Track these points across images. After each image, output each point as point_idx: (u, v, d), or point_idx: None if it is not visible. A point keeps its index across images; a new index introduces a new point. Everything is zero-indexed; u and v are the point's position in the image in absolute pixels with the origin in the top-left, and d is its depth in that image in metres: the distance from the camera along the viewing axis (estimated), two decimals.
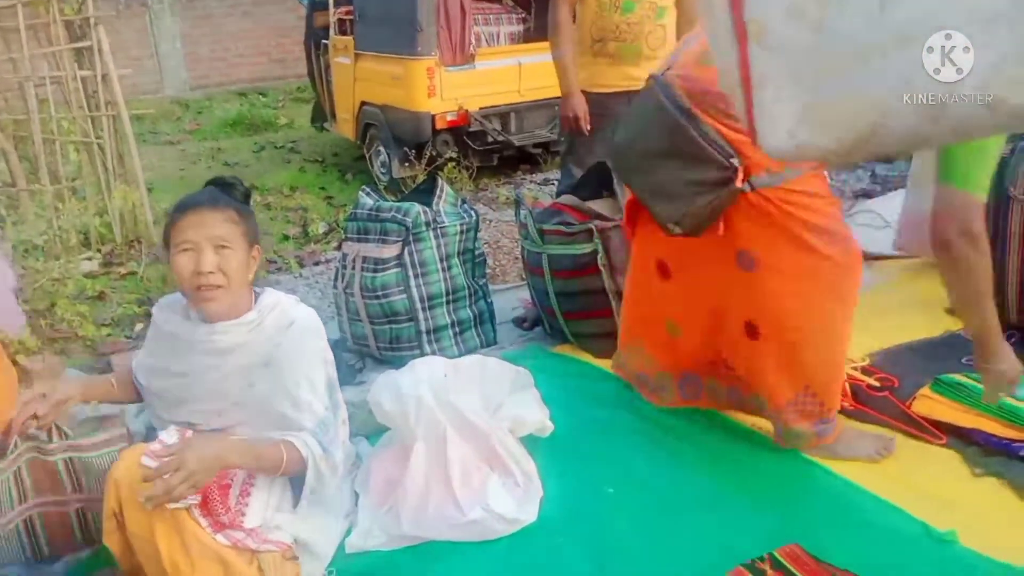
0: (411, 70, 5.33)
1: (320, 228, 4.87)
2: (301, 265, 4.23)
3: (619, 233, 2.54)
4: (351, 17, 6.26)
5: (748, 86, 1.07)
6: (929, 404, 2.07)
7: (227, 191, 1.72)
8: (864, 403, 2.14)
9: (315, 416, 1.71)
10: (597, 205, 2.72)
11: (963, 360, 2.30)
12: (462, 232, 2.70)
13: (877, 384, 2.20)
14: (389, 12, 5.49)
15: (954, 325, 2.56)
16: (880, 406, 2.08)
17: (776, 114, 1.05)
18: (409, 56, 5.31)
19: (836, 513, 1.76)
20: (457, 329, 2.68)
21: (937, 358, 2.35)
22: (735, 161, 1.72)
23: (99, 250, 4.32)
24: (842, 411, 2.05)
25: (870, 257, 2.90)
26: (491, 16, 6.32)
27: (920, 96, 0.95)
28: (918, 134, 0.99)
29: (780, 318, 1.83)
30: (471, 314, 2.72)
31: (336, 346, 2.79)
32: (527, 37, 6.27)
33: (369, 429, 2.07)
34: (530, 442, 1.94)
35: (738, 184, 1.72)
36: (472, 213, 2.78)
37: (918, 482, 1.83)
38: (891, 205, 3.51)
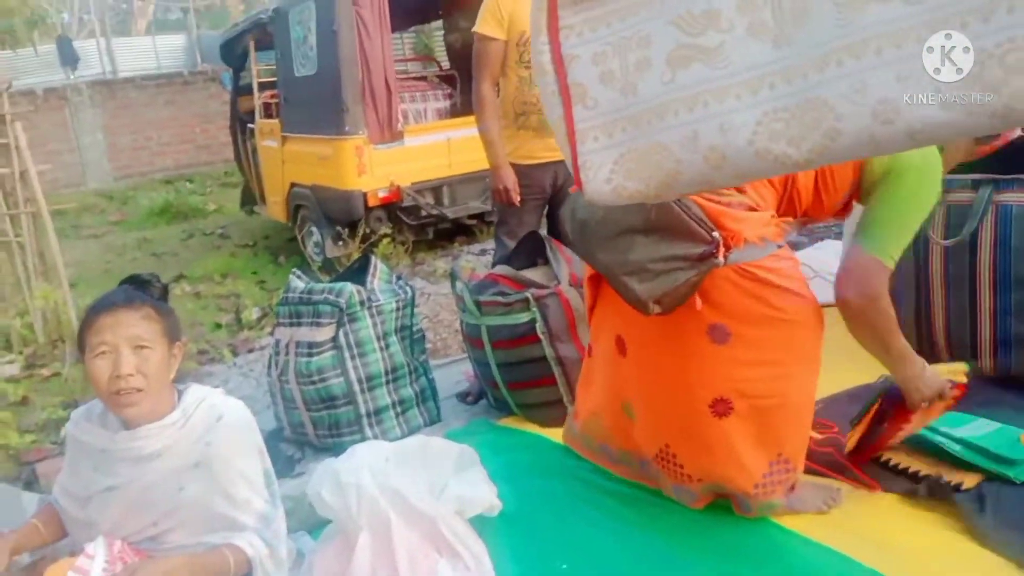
0: (339, 150, 5.34)
1: (253, 314, 4.77)
2: (235, 354, 4.11)
3: (556, 300, 2.54)
4: (276, 100, 6.29)
5: (573, 139, 1.27)
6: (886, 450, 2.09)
7: (143, 288, 1.66)
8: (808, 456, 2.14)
9: (255, 512, 1.65)
10: (532, 273, 2.72)
11: None
12: (398, 309, 2.67)
13: (819, 436, 2.21)
14: (314, 94, 5.52)
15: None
16: (821, 457, 2.08)
17: (596, 163, 1.26)
18: (337, 136, 5.33)
19: (790, 568, 1.74)
20: (399, 409, 2.62)
21: None
22: (716, 235, 1.71)
23: (21, 352, 4.15)
24: None
25: None
26: (417, 93, 6.43)
27: (707, 147, 1.14)
28: (707, 179, 1.19)
29: (752, 389, 1.80)
30: (412, 392, 2.67)
31: (273, 436, 2.72)
32: (455, 112, 6.38)
33: (311, 523, 1.98)
34: (479, 522, 1.88)
35: (720, 258, 1.71)
36: (408, 289, 2.75)
37: (866, 530, 1.83)
38: (819, 256, 3.61)
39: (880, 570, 1.67)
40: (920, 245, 2.47)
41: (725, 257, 1.72)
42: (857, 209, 1.90)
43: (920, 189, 1.75)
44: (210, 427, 1.64)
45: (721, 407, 1.82)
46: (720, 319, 1.77)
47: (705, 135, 1.13)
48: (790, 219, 1.88)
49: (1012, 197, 2.28)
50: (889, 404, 1.95)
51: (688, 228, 1.69)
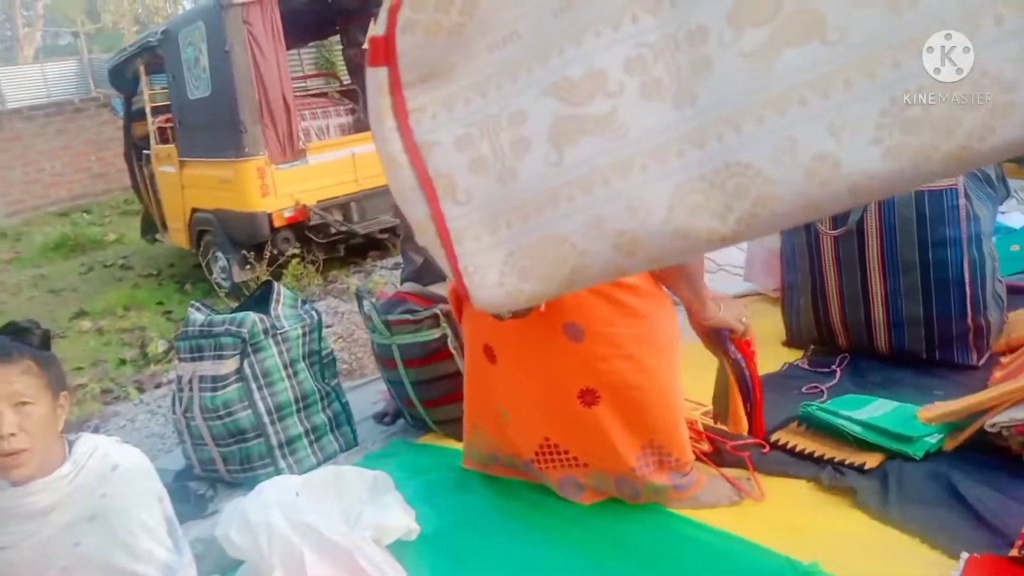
0: (241, 172, 5.22)
1: (160, 347, 4.60)
2: (141, 391, 3.96)
3: None
4: (171, 125, 6.10)
5: (448, 241, 1.08)
6: (791, 436, 2.14)
7: (21, 338, 1.57)
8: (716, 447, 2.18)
9: (158, 563, 1.58)
10: (440, 288, 2.69)
11: (803, 390, 2.42)
12: (305, 334, 2.61)
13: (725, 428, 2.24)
14: (210, 116, 5.38)
15: (792, 357, 2.70)
16: (731, 459, 2.11)
17: (481, 266, 1.07)
18: (237, 158, 5.21)
19: (704, 562, 1.76)
20: (312, 437, 2.55)
21: (779, 390, 2.45)
22: None
23: None
24: (698, 458, 2.09)
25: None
26: (318, 110, 6.33)
27: (615, 232, 0.98)
28: (620, 268, 1.03)
29: (615, 381, 1.85)
30: (325, 418, 2.61)
31: (183, 475, 2.61)
32: (358, 127, 6.31)
33: (224, 565, 1.90)
34: (398, 548, 1.85)
35: None
36: (314, 314, 2.69)
37: (778, 517, 1.87)
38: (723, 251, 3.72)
39: (793, 556, 1.70)
40: (812, 236, 2.56)
41: None
42: None
43: None
44: (104, 477, 1.57)
45: (589, 397, 1.88)
46: (573, 317, 1.82)
47: (611, 219, 0.98)
48: None
49: None
50: (732, 357, 1.96)
51: None
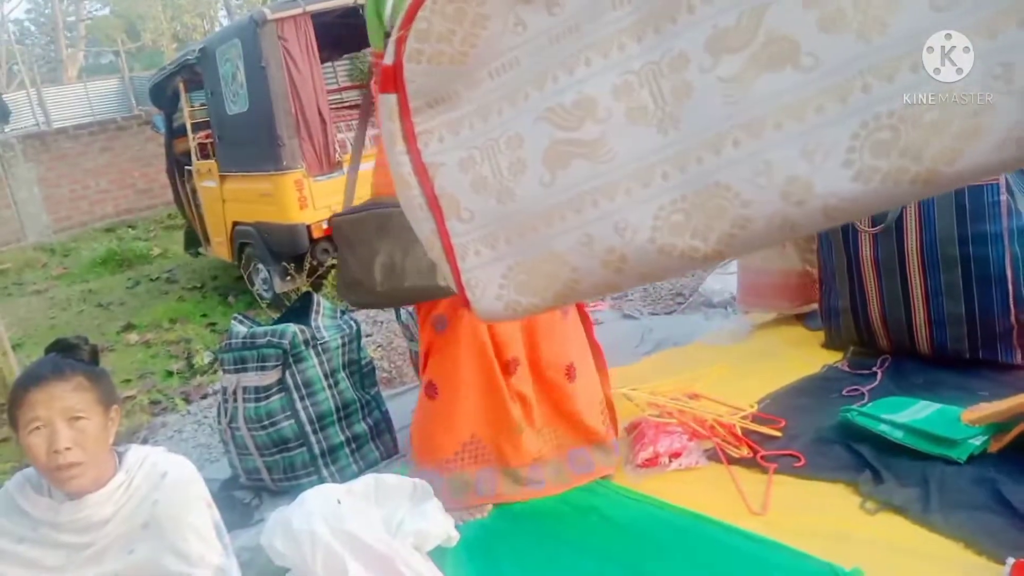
0: (279, 185, 5.30)
1: (205, 359, 4.69)
2: (188, 401, 4.04)
3: None
4: (211, 140, 6.21)
5: (452, 256, 1.14)
6: None
7: (71, 353, 1.62)
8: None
9: (211, 566, 1.62)
10: None
11: (843, 392, 2.39)
12: (344, 344, 2.65)
13: (776, 433, 2.23)
14: (249, 131, 5.47)
15: (831, 359, 2.67)
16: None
17: (482, 279, 1.13)
18: (275, 171, 5.28)
19: (745, 568, 1.76)
20: (354, 446, 2.59)
21: (819, 393, 2.43)
22: None
23: None
24: (739, 460, 2.11)
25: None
26: (354, 121, 6.37)
27: (604, 250, 1.03)
28: (610, 284, 1.08)
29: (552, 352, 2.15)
30: (366, 427, 2.65)
31: (229, 484, 2.67)
32: None
33: (270, 573, 1.95)
34: (438, 555, 1.87)
35: None
36: (353, 324, 2.73)
37: (819, 523, 1.85)
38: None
39: (835, 562, 1.69)
40: (849, 234, 2.53)
41: None
42: None
43: None
44: (155, 485, 1.62)
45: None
46: None
47: (600, 238, 1.02)
48: None
49: None
50: None
51: None
